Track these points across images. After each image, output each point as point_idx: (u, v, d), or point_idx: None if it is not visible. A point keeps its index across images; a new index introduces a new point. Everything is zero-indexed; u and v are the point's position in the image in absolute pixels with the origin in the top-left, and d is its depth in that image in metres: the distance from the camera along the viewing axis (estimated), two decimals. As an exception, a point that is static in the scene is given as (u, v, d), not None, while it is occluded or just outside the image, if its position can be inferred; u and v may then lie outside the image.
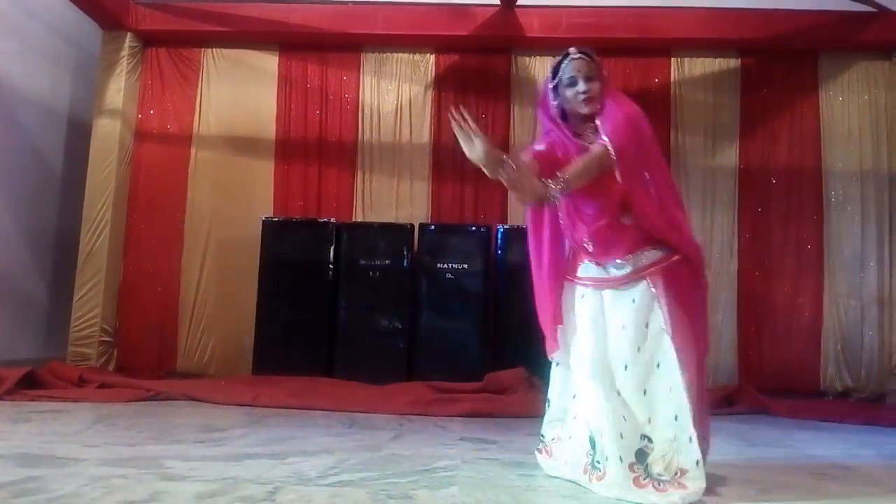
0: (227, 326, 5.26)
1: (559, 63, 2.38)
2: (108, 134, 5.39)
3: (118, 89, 5.42)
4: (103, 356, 5.19)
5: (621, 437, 2.15)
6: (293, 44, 5.63)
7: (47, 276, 5.54)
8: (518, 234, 5.07)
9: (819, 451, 3.21)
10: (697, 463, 2.12)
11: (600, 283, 2.34)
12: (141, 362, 5.23)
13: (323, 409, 3.97)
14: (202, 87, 5.61)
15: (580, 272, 2.40)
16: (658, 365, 2.20)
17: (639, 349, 2.22)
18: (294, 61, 5.63)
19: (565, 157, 2.30)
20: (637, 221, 2.30)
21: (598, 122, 2.30)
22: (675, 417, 2.15)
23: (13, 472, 2.25)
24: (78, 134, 5.66)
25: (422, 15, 5.43)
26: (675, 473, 2.12)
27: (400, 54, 5.62)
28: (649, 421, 2.17)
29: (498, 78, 5.57)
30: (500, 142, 5.47)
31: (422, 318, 4.93)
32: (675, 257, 2.28)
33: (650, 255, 2.29)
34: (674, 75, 5.49)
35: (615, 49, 5.48)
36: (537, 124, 5.20)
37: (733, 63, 5.49)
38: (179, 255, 5.42)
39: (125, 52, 5.45)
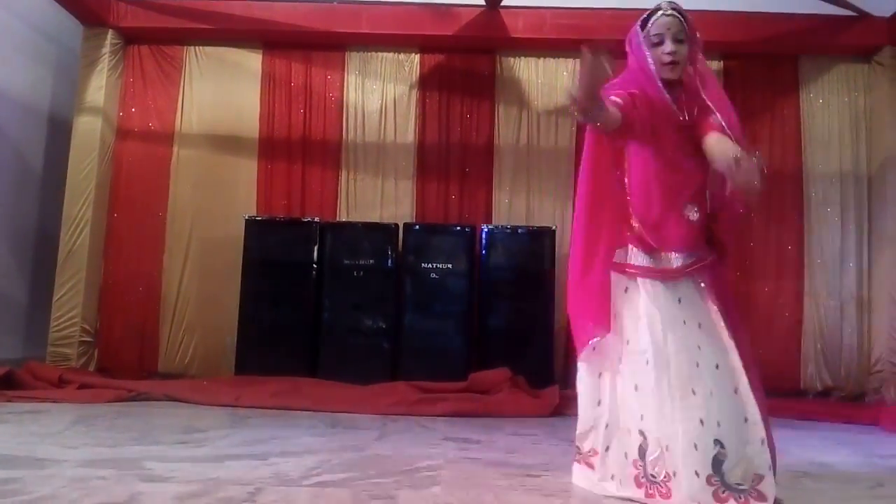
0: (210, 326, 5.23)
1: (648, 17, 2.25)
2: (88, 132, 5.33)
3: (99, 87, 5.36)
4: (83, 356, 5.13)
5: (695, 447, 1.99)
6: (277, 42, 5.60)
7: (27, 276, 5.47)
8: (502, 234, 5.11)
9: (798, 449, 3.24)
10: (769, 468, 2.00)
11: (648, 273, 2.16)
12: (122, 362, 5.18)
13: (306, 410, 3.96)
14: (184, 84, 5.56)
15: (628, 259, 2.21)
16: (717, 366, 2.07)
17: (699, 347, 2.08)
18: (278, 59, 5.60)
19: (646, 115, 2.14)
20: (705, 217, 2.21)
21: (704, 96, 2.18)
22: (745, 420, 2.04)
23: (-10, 473, 2.22)
24: (58, 131, 5.60)
25: (406, 14, 5.42)
26: (753, 481, 1.98)
27: (384, 54, 5.61)
28: (719, 425, 2.01)
29: (482, 78, 5.58)
30: (485, 142, 5.49)
31: (406, 317, 4.93)
32: (710, 258, 2.21)
33: (701, 254, 2.19)
34: (657, 77, 5.52)
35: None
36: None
37: (715, 65, 5.52)
38: (161, 255, 5.37)
39: (107, 49, 5.40)
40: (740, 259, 5.31)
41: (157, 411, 3.82)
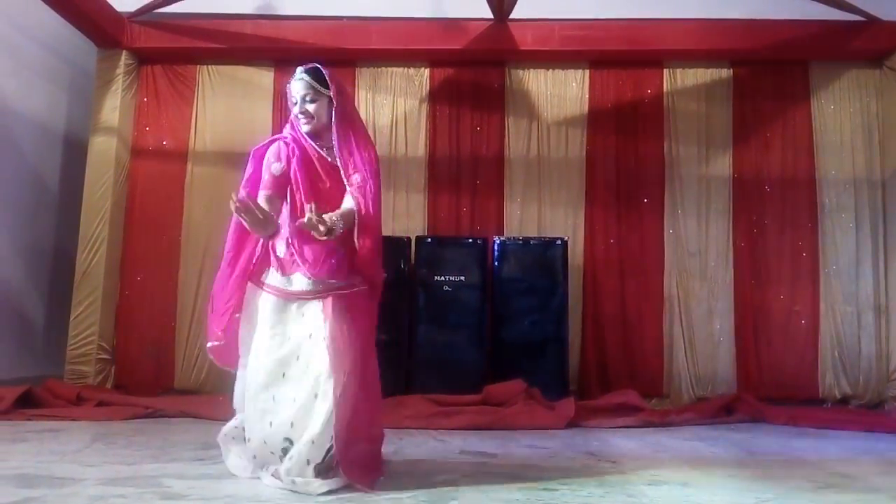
0: (225, 342, 5.23)
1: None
2: (104, 151, 5.39)
3: (114, 107, 5.43)
4: (101, 374, 5.16)
5: (265, 442, 2.39)
6: (288, 59, 5.63)
7: (44, 294, 5.53)
8: (514, 246, 5.11)
9: (818, 459, 3.21)
10: (313, 466, 2.32)
11: (282, 293, 2.46)
12: (138, 379, 5.21)
13: (322, 424, 3.95)
14: (198, 103, 5.62)
15: (267, 279, 2.50)
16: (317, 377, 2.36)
17: (298, 358, 2.39)
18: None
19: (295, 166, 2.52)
20: (343, 247, 2.47)
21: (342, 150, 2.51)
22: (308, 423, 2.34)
23: (12, 492, 2.24)
24: (74, 151, 5.67)
25: (415, 29, 5.46)
26: (298, 473, 2.31)
27: (394, 68, 5.64)
28: (292, 425, 2.35)
29: (492, 91, 5.60)
30: (496, 154, 5.51)
31: (420, 330, 4.93)
32: (356, 288, 2.50)
33: (335, 284, 2.46)
34: (666, 86, 5.53)
35: (608, 61, 5.54)
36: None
37: (725, 73, 5.54)
38: (176, 272, 5.41)
39: (121, 69, 5.47)
40: (754, 267, 5.29)
41: (175, 428, 3.84)
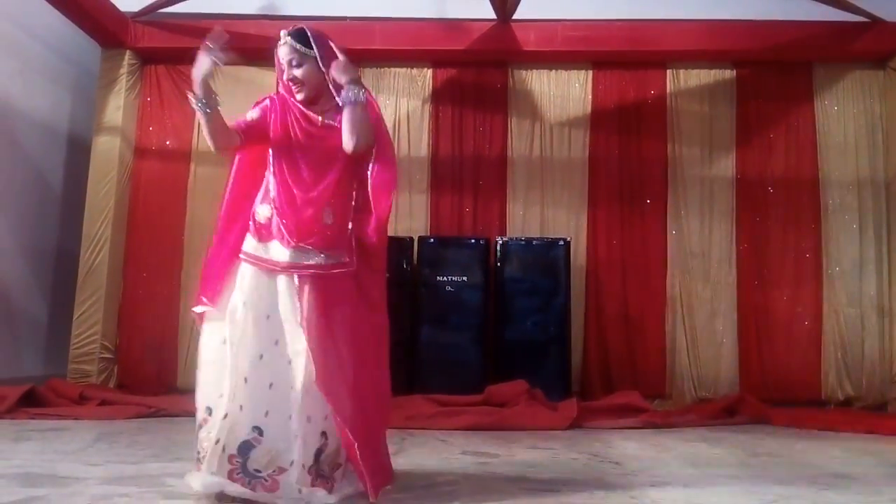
0: (228, 342, 5.24)
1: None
2: (107, 151, 5.40)
3: (117, 107, 5.44)
4: (104, 373, 5.18)
5: (232, 430, 2.11)
6: (291, 60, 5.65)
7: (48, 294, 5.54)
8: (517, 246, 5.11)
9: (821, 460, 3.21)
10: (298, 464, 2.10)
11: (259, 262, 2.24)
12: (141, 379, 5.22)
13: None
14: (201, 103, 5.62)
15: (244, 246, 2.29)
16: (289, 361, 2.17)
17: (276, 342, 2.18)
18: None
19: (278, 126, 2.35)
20: (351, 215, 2.31)
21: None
22: (290, 417, 2.13)
23: (15, 491, 2.25)
24: (77, 151, 5.68)
25: (418, 30, 5.47)
26: (273, 471, 2.11)
27: (398, 69, 5.65)
28: (266, 414, 2.13)
29: (495, 91, 5.60)
30: (499, 154, 5.51)
31: (422, 330, 4.93)
32: (345, 269, 2.27)
33: (326, 258, 2.25)
34: (669, 87, 5.52)
35: (611, 62, 5.54)
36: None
37: (728, 74, 5.53)
38: (179, 271, 5.42)
39: (124, 69, 5.48)
40: (757, 268, 5.29)
41: (178, 427, 3.83)
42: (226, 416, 2.11)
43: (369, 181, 2.34)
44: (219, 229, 2.40)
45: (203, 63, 2.21)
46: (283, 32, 2.38)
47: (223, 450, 2.09)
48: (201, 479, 2.12)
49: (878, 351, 5.12)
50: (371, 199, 2.34)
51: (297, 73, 2.33)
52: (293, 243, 2.22)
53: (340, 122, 2.31)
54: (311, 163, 2.31)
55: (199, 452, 2.19)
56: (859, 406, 5.04)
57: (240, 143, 2.34)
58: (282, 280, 2.22)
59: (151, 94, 5.66)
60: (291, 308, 2.19)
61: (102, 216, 5.31)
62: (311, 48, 2.34)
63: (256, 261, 2.24)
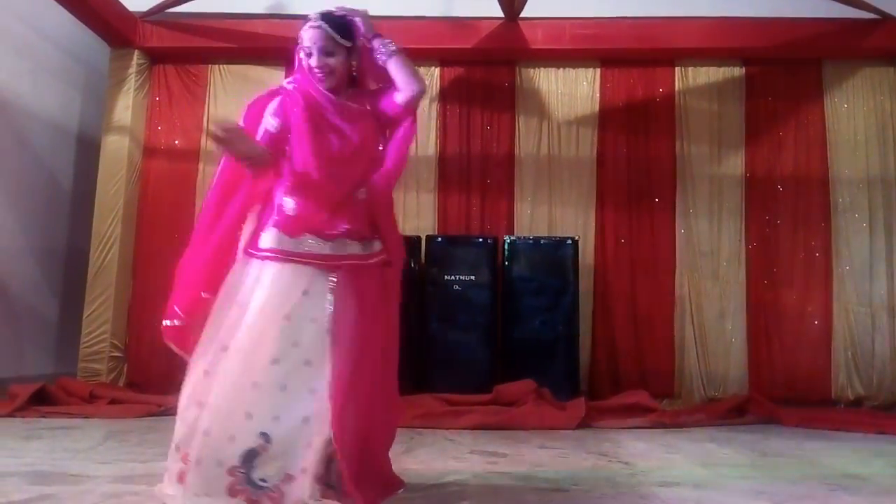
0: (236, 340, 5.26)
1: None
2: (116, 150, 5.43)
3: (126, 106, 5.47)
4: (113, 371, 5.20)
5: (234, 438, 1.95)
6: (299, 59, 5.66)
7: (58, 293, 5.57)
8: (525, 245, 5.10)
9: (831, 460, 3.19)
10: (310, 473, 1.92)
11: (287, 258, 2.06)
12: (151, 377, 5.24)
13: (332, 423, 3.96)
14: (209, 103, 5.65)
15: (263, 243, 2.10)
16: (307, 363, 2.00)
17: (295, 344, 2.00)
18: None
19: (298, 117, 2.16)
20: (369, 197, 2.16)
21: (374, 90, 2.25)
22: (304, 420, 1.96)
23: (26, 489, 2.26)
24: (87, 151, 5.71)
25: (426, 29, 5.46)
26: (282, 479, 1.93)
27: (405, 68, 5.64)
28: (277, 419, 1.96)
29: (503, 90, 5.59)
30: (506, 153, 5.50)
31: (430, 329, 4.92)
32: (376, 258, 2.18)
33: (364, 247, 2.15)
34: (678, 85, 5.50)
35: (619, 60, 5.52)
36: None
37: (737, 72, 5.50)
38: (188, 270, 5.43)
39: (133, 69, 5.50)
40: (767, 266, 5.26)
41: (186, 426, 3.85)
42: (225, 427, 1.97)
43: (398, 132, 2.21)
44: (200, 227, 2.29)
45: (234, 147, 2.04)
46: (315, 14, 2.23)
47: (217, 465, 1.94)
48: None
49: (889, 350, 5.08)
50: (389, 146, 2.21)
51: (331, 61, 2.17)
52: (331, 232, 2.09)
53: (362, 104, 2.22)
54: (340, 147, 2.15)
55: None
56: (870, 405, 5.01)
57: (271, 160, 2.16)
58: (311, 275, 2.06)
59: (160, 93, 5.67)
60: (320, 307, 2.04)
61: (112, 215, 5.34)
62: (349, 39, 2.22)
63: (285, 256, 2.06)
